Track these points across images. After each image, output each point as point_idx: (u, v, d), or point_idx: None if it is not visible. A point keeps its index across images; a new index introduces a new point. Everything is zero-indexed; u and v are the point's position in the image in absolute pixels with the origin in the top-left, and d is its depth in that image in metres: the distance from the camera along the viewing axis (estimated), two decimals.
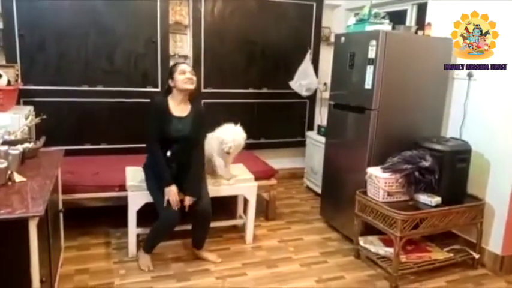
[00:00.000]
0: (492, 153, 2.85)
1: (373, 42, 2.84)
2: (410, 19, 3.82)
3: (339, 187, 3.29)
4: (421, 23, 3.43)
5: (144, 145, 2.78)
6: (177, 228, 2.66)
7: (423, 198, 2.71)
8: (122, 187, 2.91)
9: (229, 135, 2.89)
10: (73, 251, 2.86)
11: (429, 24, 3.17)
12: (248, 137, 3.02)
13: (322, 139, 3.85)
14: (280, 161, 4.41)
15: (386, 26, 3.01)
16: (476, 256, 2.85)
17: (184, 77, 2.59)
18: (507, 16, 2.70)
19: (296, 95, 4.39)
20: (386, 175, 2.69)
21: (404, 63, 2.94)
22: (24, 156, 2.20)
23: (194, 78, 2.65)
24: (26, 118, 2.92)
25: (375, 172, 2.75)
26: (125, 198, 2.79)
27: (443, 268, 2.80)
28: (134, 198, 2.74)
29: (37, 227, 1.63)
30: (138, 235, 2.83)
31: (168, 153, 2.62)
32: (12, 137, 2.43)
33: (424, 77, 3.02)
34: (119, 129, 3.88)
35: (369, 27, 3.02)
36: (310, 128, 4.68)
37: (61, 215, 2.66)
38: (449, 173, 2.72)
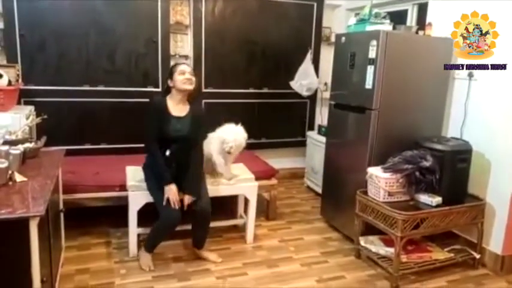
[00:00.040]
0: (493, 153, 2.84)
1: (374, 42, 2.84)
2: (411, 19, 3.81)
3: (340, 187, 3.29)
4: (421, 23, 3.42)
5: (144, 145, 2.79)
6: (177, 228, 2.65)
7: (424, 198, 2.71)
8: (123, 187, 2.92)
9: (230, 135, 2.89)
10: (74, 251, 2.87)
11: (430, 24, 3.17)
12: (249, 137, 3.02)
13: (323, 139, 3.85)
14: (280, 161, 4.41)
15: (386, 26, 3.01)
16: (477, 256, 2.85)
17: (184, 77, 2.60)
18: (507, 16, 2.69)
19: (297, 95, 4.39)
20: (387, 175, 2.69)
21: (405, 63, 2.94)
22: (25, 156, 2.20)
23: (193, 78, 2.65)
24: (27, 118, 2.92)
25: (375, 172, 2.75)
26: (126, 198, 2.80)
27: (444, 268, 2.80)
28: (135, 198, 2.74)
29: (38, 227, 1.63)
30: (138, 235, 2.83)
31: (167, 153, 2.63)
32: (13, 137, 2.43)
33: (424, 77, 3.01)
34: (120, 129, 3.89)
35: (369, 27, 3.02)
36: (311, 128, 4.68)
37: (62, 214, 2.67)
38: (449, 173, 2.72)
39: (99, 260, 2.78)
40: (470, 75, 2.97)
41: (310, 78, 4.29)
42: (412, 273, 2.72)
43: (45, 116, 2.83)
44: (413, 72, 2.97)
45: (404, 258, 2.71)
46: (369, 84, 2.91)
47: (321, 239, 3.27)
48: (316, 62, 4.51)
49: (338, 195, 3.33)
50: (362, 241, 2.93)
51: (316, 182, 4.21)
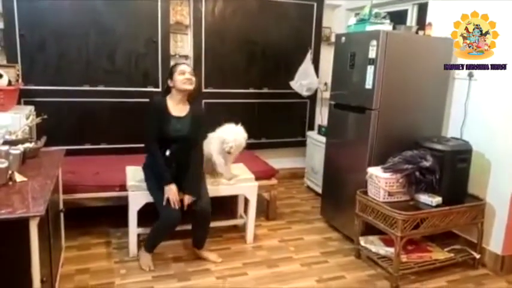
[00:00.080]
0: (493, 153, 2.84)
1: (374, 42, 2.84)
2: (411, 19, 3.81)
3: (340, 187, 3.29)
4: (421, 23, 3.42)
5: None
6: (177, 228, 2.65)
7: (424, 198, 2.71)
8: (123, 187, 2.92)
9: (230, 135, 2.89)
10: (74, 251, 2.87)
11: (430, 24, 3.17)
12: (249, 137, 3.02)
13: (323, 139, 3.85)
14: (280, 161, 4.41)
15: (387, 26, 3.01)
16: (477, 256, 2.85)
17: (184, 77, 2.60)
18: (507, 16, 2.69)
19: (297, 95, 4.39)
20: (387, 175, 2.69)
21: (405, 63, 2.94)
22: (25, 156, 2.20)
23: (193, 79, 2.65)
24: (27, 118, 2.92)
25: (375, 172, 2.75)
26: (126, 198, 2.80)
27: (444, 268, 2.80)
28: (135, 198, 2.74)
29: (38, 227, 1.63)
30: (138, 235, 2.83)
31: (167, 153, 2.63)
32: (13, 137, 2.43)
33: (424, 77, 3.01)
34: (120, 129, 3.89)
35: (369, 27, 3.02)
36: (311, 128, 4.68)
37: (62, 214, 2.67)
38: (449, 173, 2.72)
39: (99, 260, 2.78)
40: (470, 75, 2.97)
41: (310, 78, 4.29)
42: (412, 273, 2.72)
43: (45, 116, 2.83)
44: (414, 72, 2.97)
45: (404, 258, 2.71)
46: (369, 84, 2.91)
47: (321, 239, 3.27)
48: (316, 62, 4.51)
49: (338, 195, 3.33)
50: (362, 241, 2.93)
51: (316, 182, 4.21)
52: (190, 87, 2.64)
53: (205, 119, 2.86)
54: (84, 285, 2.48)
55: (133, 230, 2.79)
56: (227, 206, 3.45)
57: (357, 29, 3.18)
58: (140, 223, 2.79)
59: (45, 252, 1.89)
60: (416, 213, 2.59)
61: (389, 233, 2.62)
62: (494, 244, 2.85)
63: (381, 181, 2.69)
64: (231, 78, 4.29)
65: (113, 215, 3.21)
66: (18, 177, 1.95)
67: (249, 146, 3.24)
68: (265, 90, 4.45)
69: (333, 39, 4.22)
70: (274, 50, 4.37)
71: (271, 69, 4.41)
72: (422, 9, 3.58)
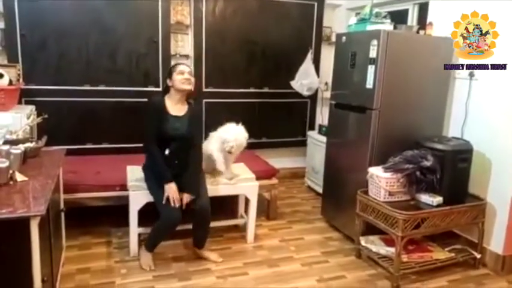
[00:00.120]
0: (494, 152, 2.84)
1: (375, 42, 2.84)
2: (412, 19, 3.81)
3: (340, 187, 3.29)
4: (422, 22, 3.42)
5: None
6: (178, 228, 2.65)
7: (424, 198, 2.71)
8: (123, 186, 2.92)
9: (231, 135, 2.89)
10: (74, 250, 2.87)
11: (430, 23, 3.16)
12: (249, 137, 3.02)
13: (324, 139, 3.85)
14: (281, 161, 4.41)
15: (387, 26, 3.01)
16: (478, 256, 2.84)
17: (182, 77, 2.61)
18: (507, 16, 2.69)
19: (297, 95, 4.39)
20: (388, 175, 2.69)
21: (406, 63, 2.93)
22: (26, 156, 2.20)
23: (192, 79, 2.67)
24: (28, 117, 2.93)
25: (376, 172, 2.75)
26: (126, 198, 2.80)
27: (445, 268, 2.80)
28: (135, 198, 2.75)
29: (39, 227, 1.63)
30: (139, 234, 2.83)
31: (166, 152, 2.64)
32: (14, 137, 2.44)
33: (425, 77, 3.01)
34: (121, 129, 3.89)
35: (370, 27, 3.02)
36: (312, 128, 4.68)
37: (62, 214, 2.67)
38: (450, 172, 2.72)
39: (99, 259, 2.79)
40: (471, 75, 2.97)
41: (310, 78, 4.29)
42: (413, 273, 2.71)
43: (46, 116, 2.84)
44: (414, 71, 2.97)
45: (405, 258, 2.70)
46: (369, 84, 2.91)
47: (322, 239, 3.27)
48: (316, 62, 4.51)
49: (339, 195, 3.33)
50: (363, 241, 2.93)
51: (316, 182, 4.21)
52: (189, 87, 2.65)
53: (202, 118, 2.86)
54: (84, 285, 2.49)
55: (134, 229, 2.79)
56: (228, 205, 3.45)
57: (358, 28, 3.18)
58: (141, 223, 2.79)
59: (46, 252, 1.89)
60: (417, 213, 2.59)
61: (390, 232, 2.62)
62: (495, 244, 2.85)
63: (381, 181, 2.69)
64: (232, 78, 4.30)
65: (114, 214, 3.22)
66: (19, 177, 1.95)
67: (250, 146, 3.24)
68: (265, 90, 4.45)
69: (333, 38, 4.22)
70: (274, 50, 4.37)
71: (271, 68, 4.41)
72: (423, 9, 3.57)
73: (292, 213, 3.77)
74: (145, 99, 3.72)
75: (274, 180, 3.55)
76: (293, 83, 4.31)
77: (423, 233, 2.69)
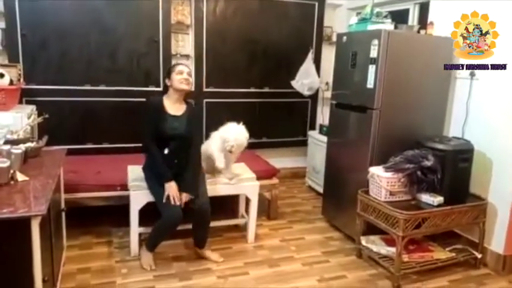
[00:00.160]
0: (494, 152, 2.84)
1: (375, 42, 2.84)
2: (413, 18, 3.81)
3: (341, 186, 3.29)
4: (423, 22, 3.42)
5: None
6: (178, 228, 2.65)
7: (425, 197, 2.70)
8: (124, 186, 2.92)
9: (232, 134, 2.89)
10: (75, 250, 2.87)
11: (431, 23, 3.16)
12: (250, 136, 3.01)
13: (324, 138, 3.84)
14: (282, 160, 4.42)
15: (388, 25, 3.01)
16: (479, 256, 2.84)
17: (181, 77, 2.63)
18: (507, 16, 2.69)
19: (298, 95, 4.39)
20: (389, 174, 2.69)
21: (407, 63, 2.93)
22: (27, 156, 2.21)
23: (191, 79, 2.69)
24: (29, 117, 2.93)
25: (377, 171, 2.75)
26: (127, 198, 2.80)
27: (446, 268, 2.80)
28: (136, 198, 2.75)
29: (39, 226, 1.64)
30: (140, 234, 2.83)
31: (166, 151, 2.64)
32: (15, 136, 2.44)
33: (426, 76, 3.01)
34: (121, 129, 3.89)
35: (371, 27, 3.02)
36: (312, 128, 4.68)
37: (63, 214, 2.67)
38: (451, 172, 2.72)
39: (100, 259, 2.79)
40: (472, 75, 2.97)
41: (311, 78, 4.29)
42: (414, 273, 2.71)
43: (47, 116, 2.84)
44: (415, 71, 2.97)
45: (405, 257, 2.70)
46: (370, 84, 2.91)
47: (322, 239, 3.27)
48: (317, 62, 4.51)
49: (339, 195, 3.33)
50: (363, 241, 2.93)
51: (317, 182, 4.21)
52: (187, 87, 2.66)
53: (201, 118, 2.86)
54: (85, 285, 2.49)
55: (135, 229, 2.79)
56: (228, 205, 3.46)
57: (359, 28, 3.18)
58: (141, 222, 2.79)
59: (46, 252, 1.89)
60: (418, 213, 2.59)
61: (390, 232, 2.62)
62: (496, 244, 2.85)
63: (382, 180, 2.69)
64: (232, 78, 4.30)
65: (115, 214, 3.22)
66: (20, 177, 1.95)
67: (250, 146, 3.23)
68: (266, 90, 4.45)
69: (334, 38, 4.22)
70: (275, 50, 4.37)
71: (272, 68, 4.41)
72: (424, 9, 3.57)
73: (293, 213, 3.77)
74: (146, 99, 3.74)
75: (274, 180, 3.55)
76: (294, 83, 4.30)
77: (424, 232, 2.69)
